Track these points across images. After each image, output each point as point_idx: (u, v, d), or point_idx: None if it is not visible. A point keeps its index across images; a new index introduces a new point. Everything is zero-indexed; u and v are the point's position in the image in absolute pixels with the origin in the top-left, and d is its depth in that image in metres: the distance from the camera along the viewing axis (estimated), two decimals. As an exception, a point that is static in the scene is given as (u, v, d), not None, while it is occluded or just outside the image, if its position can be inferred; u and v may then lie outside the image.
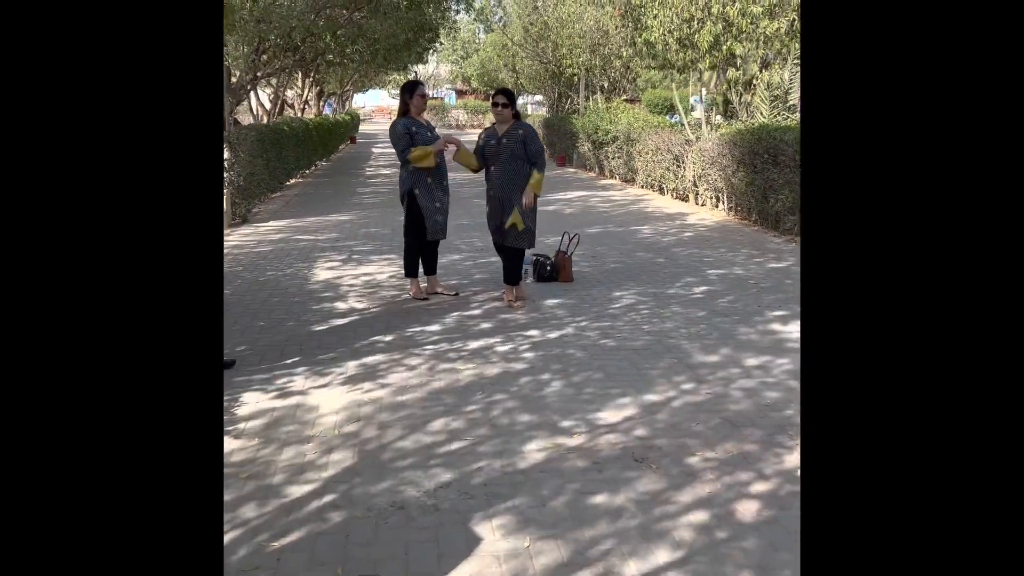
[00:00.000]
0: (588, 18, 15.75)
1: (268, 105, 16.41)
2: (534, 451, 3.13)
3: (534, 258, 6.31)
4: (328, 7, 10.79)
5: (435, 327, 4.91)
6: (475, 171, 5.70)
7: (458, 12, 17.96)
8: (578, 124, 16.75)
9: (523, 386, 3.84)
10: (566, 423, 3.41)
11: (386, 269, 6.69)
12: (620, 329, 4.84)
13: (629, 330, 4.81)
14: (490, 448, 3.15)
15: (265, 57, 11.33)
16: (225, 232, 8.71)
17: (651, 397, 3.70)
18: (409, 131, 5.37)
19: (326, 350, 4.43)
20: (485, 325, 4.96)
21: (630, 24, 11.34)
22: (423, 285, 5.80)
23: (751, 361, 4.22)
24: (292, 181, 14.63)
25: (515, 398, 3.69)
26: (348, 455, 3.09)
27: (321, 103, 24.98)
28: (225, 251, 7.50)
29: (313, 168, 17.26)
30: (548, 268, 6.25)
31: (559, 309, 5.34)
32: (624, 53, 13.42)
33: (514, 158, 5.42)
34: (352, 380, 3.93)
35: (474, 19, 19.19)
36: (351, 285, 6.10)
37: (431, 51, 22.18)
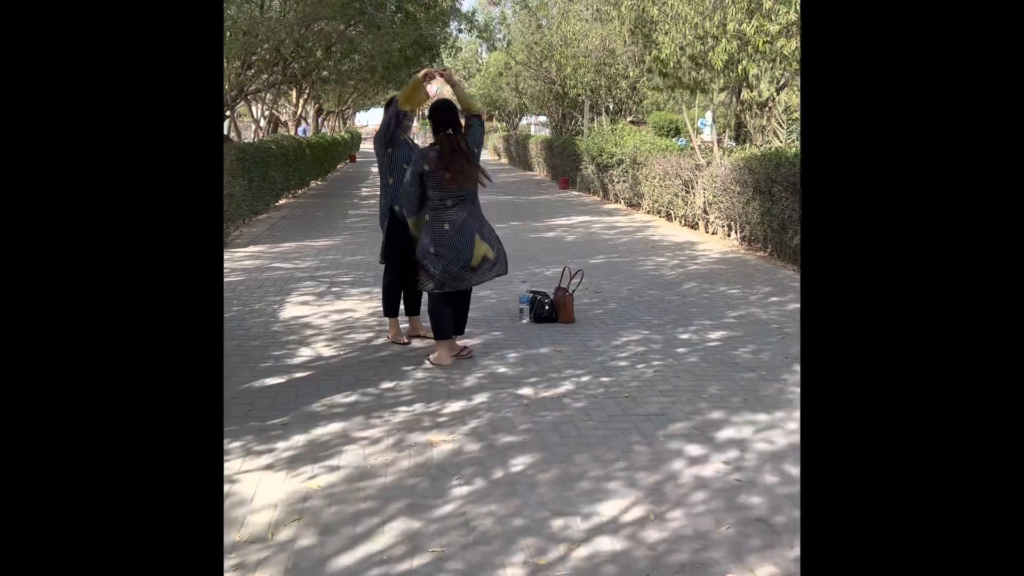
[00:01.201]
0: (594, 36, 15.18)
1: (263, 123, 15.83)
2: (517, 568, 2.43)
3: (531, 295, 5.63)
4: (319, 20, 10.19)
5: (410, 381, 4.22)
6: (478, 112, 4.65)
7: (460, 31, 17.41)
8: (582, 146, 16.15)
9: (509, 467, 3.14)
10: (558, 522, 2.71)
11: (365, 304, 6.01)
12: (627, 386, 4.14)
13: (638, 388, 4.11)
14: (461, 564, 2.45)
15: (251, 72, 10.71)
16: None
17: (665, 481, 3.00)
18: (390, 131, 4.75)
19: (278, 412, 3.73)
20: (469, 380, 4.26)
21: (639, 41, 10.73)
22: (404, 327, 5.12)
23: (782, 431, 3.52)
24: (282, 202, 14.01)
25: (498, 485, 2.98)
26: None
27: (319, 121, 24.45)
28: (191, 281, 6.83)
29: (306, 188, 16.65)
30: (547, 307, 5.56)
31: (556, 359, 4.65)
32: (631, 72, 12.81)
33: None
34: (300, 458, 3.22)
35: (476, 37, 18.68)
36: (322, 326, 5.42)
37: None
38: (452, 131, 4.39)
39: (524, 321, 5.54)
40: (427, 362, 4.48)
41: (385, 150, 4.80)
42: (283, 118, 18.97)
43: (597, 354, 4.77)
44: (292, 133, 17.59)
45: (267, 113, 17.11)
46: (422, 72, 4.80)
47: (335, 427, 3.55)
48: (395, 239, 4.84)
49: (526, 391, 4.07)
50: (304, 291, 6.54)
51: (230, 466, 3.13)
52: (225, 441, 3.36)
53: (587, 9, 15.18)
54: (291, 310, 5.86)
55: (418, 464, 3.16)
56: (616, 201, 14.30)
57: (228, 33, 9.29)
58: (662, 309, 6.00)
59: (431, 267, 4.37)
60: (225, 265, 7.71)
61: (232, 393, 3.98)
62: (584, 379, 4.28)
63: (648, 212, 12.54)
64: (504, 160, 30.87)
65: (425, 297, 5.14)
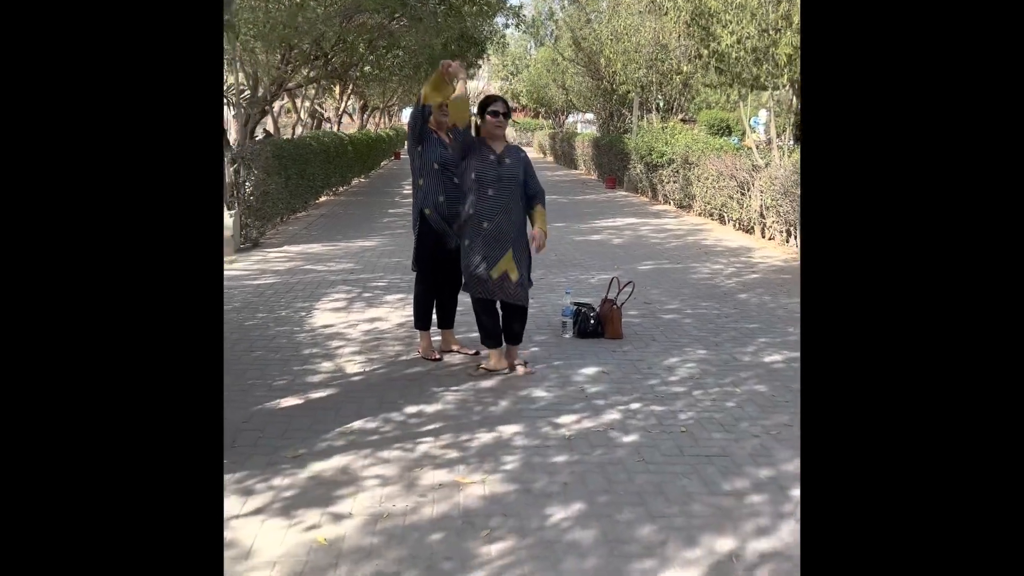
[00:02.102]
0: (646, 30, 14.60)
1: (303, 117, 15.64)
2: (554, 660, 1.99)
3: (574, 307, 5.17)
4: (360, 12, 9.86)
5: (439, 406, 3.80)
6: (462, 125, 4.09)
7: (507, 27, 16.98)
8: (630, 144, 15.60)
9: (545, 522, 2.70)
10: (606, 597, 2.26)
11: (398, 313, 5.62)
12: (681, 418, 3.66)
13: (695, 421, 3.64)
14: (485, 654, 2.02)
15: (290, 66, 10.44)
16: (229, 259, 7.78)
17: (735, 549, 2.53)
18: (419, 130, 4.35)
19: (290, 441, 3.35)
20: (503, 403, 3.83)
21: (696, 34, 10.16)
22: (435, 339, 4.72)
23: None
24: (322, 199, 13.76)
25: (534, 544, 2.54)
26: (261, 662, 1.99)
27: (365, 117, 24.28)
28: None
29: (347, 186, 16.42)
30: (592, 321, 5.10)
31: (601, 382, 4.19)
32: (685, 68, 12.24)
33: (516, 186, 4.17)
34: (308, 501, 2.83)
35: (524, 31, 18.24)
36: (350, 336, 5.04)
37: (478, 67, 21.29)
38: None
39: (567, 336, 5.09)
40: (482, 369, 4.31)
41: (416, 148, 4.39)
42: (327, 114, 18.79)
43: (648, 376, 4.30)
44: (335, 129, 17.39)
45: (310, 109, 16.88)
46: (443, 65, 4.25)
47: (351, 461, 3.15)
48: (426, 244, 4.43)
49: (567, 420, 3.62)
50: (335, 297, 6.19)
51: (229, 508, 2.75)
52: (226, 477, 2.98)
53: (639, 1, 14.59)
54: (319, 318, 5.51)
55: (442, 513, 2.74)
56: (665, 202, 13.74)
57: (266, 25, 9.02)
58: (719, 324, 5.49)
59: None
60: (257, 267, 7.42)
61: (243, 416, 3.61)
62: (633, 407, 3.82)
63: (700, 214, 11.97)
64: (549, 158, 30.40)
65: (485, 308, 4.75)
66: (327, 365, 4.41)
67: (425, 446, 3.31)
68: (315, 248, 8.61)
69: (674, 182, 12.98)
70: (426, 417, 3.65)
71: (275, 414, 3.65)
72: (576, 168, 23.36)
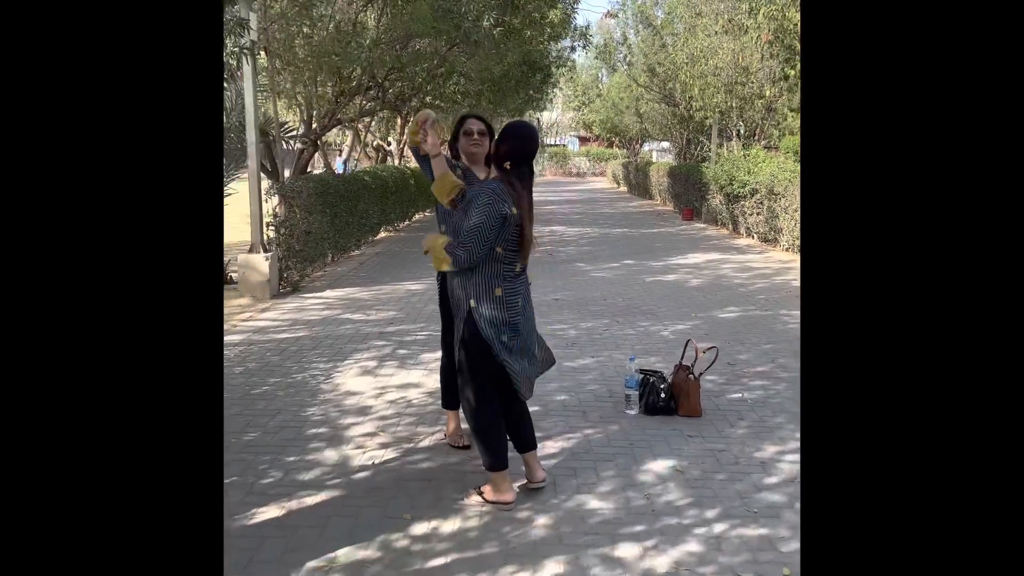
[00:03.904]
0: (724, 52, 13.57)
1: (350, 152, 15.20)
2: None
3: (641, 376, 4.22)
4: (412, 38, 9.23)
5: (456, 522, 2.90)
6: (451, 204, 3.18)
7: (573, 49, 16.18)
8: (709, 173, 14.52)
9: None
10: None
11: (433, 378, 4.77)
12: (785, 551, 2.67)
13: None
14: None
15: (339, 99, 9.88)
16: (262, 307, 7.12)
17: None
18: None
19: (248, 581, 2.51)
20: (541, 522, 2.91)
21: (780, 54, 9.13)
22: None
23: None
24: (381, 235, 13.16)
25: None
26: None
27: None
28: (239, 340, 5.83)
29: (408, 221, 15.83)
30: (663, 395, 4.13)
31: (673, 484, 3.22)
32: (767, 92, 11.16)
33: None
34: None
35: (595, 58, 17.44)
36: (369, 410, 4.20)
37: (548, 96, 20.61)
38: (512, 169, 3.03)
39: (631, 412, 4.14)
40: (477, 496, 3.11)
41: None
42: (389, 147, 18.34)
43: (735, 477, 3.31)
44: (397, 162, 16.90)
45: (374, 143, 16.44)
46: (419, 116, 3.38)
47: (319, 623, 2.28)
48: (450, 304, 3.58)
49: (626, 553, 2.67)
50: (365, 354, 5.39)
51: None
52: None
53: (716, 22, 13.60)
54: (340, 383, 4.70)
55: None
56: (748, 236, 12.58)
57: (311, 56, 8.48)
58: (822, 396, 4.43)
59: (513, 362, 3.01)
60: (288, 316, 6.72)
61: (202, 535, 2.80)
62: (717, 529, 2.84)
63: (787, 250, 10.80)
64: (623, 188, 29.39)
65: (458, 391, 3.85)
66: (330, 455, 3.58)
67: (426, 595, 2.42)
68: (358, 293, 7.89)
69: (758, 214, 11.85)
70: (438, 542, 2.76)
71: (243, 534, 2.82)
72: (651, 199, 22.32)
